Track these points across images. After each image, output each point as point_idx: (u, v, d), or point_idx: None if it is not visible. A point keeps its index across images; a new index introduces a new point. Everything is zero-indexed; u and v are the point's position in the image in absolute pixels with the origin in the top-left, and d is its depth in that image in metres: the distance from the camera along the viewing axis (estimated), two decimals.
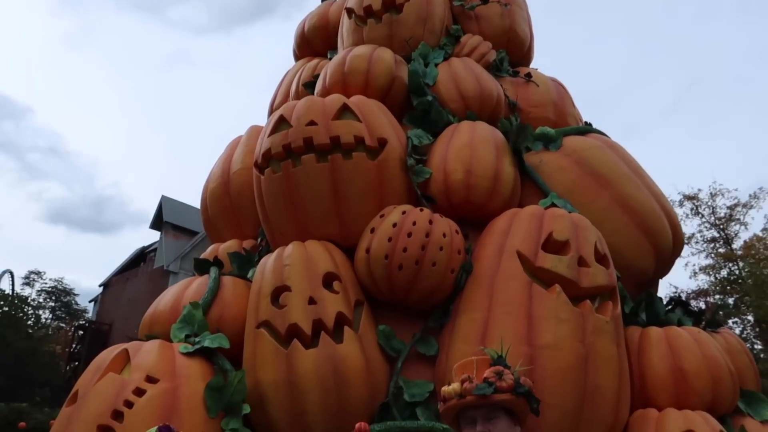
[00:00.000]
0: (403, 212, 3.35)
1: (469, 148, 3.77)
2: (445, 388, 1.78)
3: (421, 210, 3.39)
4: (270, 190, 3.65)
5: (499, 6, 5.21)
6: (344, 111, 3.70)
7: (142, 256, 32.02)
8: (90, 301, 32.80)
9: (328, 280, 3.26)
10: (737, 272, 26.26)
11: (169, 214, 29.24)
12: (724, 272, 26.54)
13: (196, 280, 3.80)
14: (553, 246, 3.26)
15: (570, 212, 3.53)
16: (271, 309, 3.17)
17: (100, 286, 31.22)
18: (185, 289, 3.69)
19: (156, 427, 1.66)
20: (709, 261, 26.52)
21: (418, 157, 3.87)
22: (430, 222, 3.29)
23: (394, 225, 3.28)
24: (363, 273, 3.34)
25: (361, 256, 3.34)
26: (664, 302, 3.95)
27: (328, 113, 3.64)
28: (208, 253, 4.40)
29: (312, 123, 3.58)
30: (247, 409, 2.94)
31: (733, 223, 26.77)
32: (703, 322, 3.90)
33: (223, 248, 4.34)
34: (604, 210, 3.80)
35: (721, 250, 26.45)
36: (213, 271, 3.79)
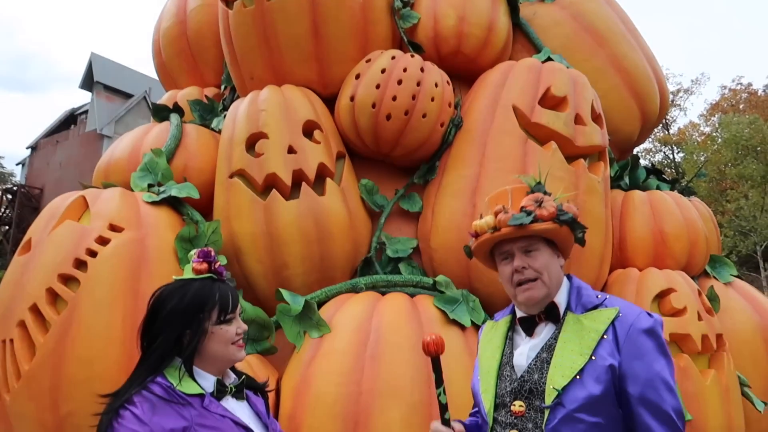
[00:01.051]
0: (393, 57, 3.03)
1: None
2: (476, 223, 1.52)
3: (412, 56, 3.08)
4: (240, 28, 3.21)
5: None
6: None
7: (72, 119, 30.04)
8: (17, 164, 31.05)
9: (309, 129, 2.99)
10: (671, 156, 27.47)
11: (101, 74, 27.09)
12: (659, 156, 27.70)
13: (155, 127, 3.43)
14: (551, 101, 3.07)
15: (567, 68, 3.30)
16: (246, 157, 2.89)
17: (27, 148, 29.41)
18: (144, 136, 3.33)
19: (195, 251, 1.47)
20: (647, 144, 27.46)
21: (405, 0, 3.48)
22: (422, 70, 3.00)
23: (383, 71, 2.97)
24: (346, 123, 3.07)
25: (345, 104, 3.05)
26: None
27: None
28: (165, 99, 3.98)
29: None
30: (223, 261, 2.75)
31: (673, 108, 27.53)
32: (676, 190, 3.92)
33: (182, 95, 3.92)
34: (598, 69, 3.60)
35: (660, 135, 27.39)
36: (174, 117, 3.43)
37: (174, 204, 2.96)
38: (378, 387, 2.25)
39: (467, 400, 2.34)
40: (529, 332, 1.49)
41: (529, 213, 1.45)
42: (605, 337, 1.36)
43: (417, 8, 3.46)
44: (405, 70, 2.95)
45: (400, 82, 2.93)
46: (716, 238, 3.82)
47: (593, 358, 1.34)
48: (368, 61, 3.09)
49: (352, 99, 3.01)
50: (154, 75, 4.59)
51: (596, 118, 3.17)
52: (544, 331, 1.47)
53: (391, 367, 2.28)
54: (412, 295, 2.69)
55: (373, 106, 2.93)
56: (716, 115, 27.11)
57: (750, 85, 27.65)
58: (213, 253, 1.48)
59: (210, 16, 3.90)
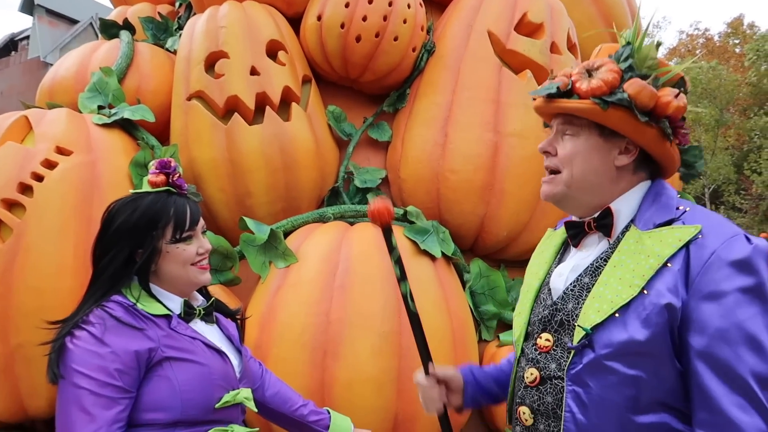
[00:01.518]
0: None
1: None
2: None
3: None
4: None
5: None
6: None
7: (12, 44, 28.09)
8: None
9: (273, 50, 2.80)
10: None
11: None
12: None
13: (103, 44, 3.16)
14: (527, 28, 2.95)
15: None
16: (205, 78, 2.70)
17: None
18: (92, 54, 3.07)
19: (154, 161, 1.33)
20: None
21: None
22: None
23: None
24: (312, 45, 2.88)
25: (311, 23, 2.85)
26: None
27: None
28: (113, 15, 3.66)
29: None
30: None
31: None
32: None
33: (132, 12, 3.61)
34: None
35: None
36: (125, 35, 3.16)
37: (127, 127, 2.77)
38: (347, 317, 2.20)
39: (442, 334, 2.34)
40: (575, 242, 1.19)
41: (567, 85, 1.09)
42: (669, 265, 1.00)
43: None
44: None
45: (370, 2, 2.74)
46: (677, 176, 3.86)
47: (645, 292, 1.00)
48: None
49: (319, 18, 2.82)
50: (102, 0, 4.23)
51: (571, 47, 3.07)
52: (597, 246, 1.15)
53: (361, 297, 2.23)
54: None
55: (342, 26, 2.76)
56: (674, 59, 27.53)
57: (707, 30, 28.03)
58: (173, 164, 1.34)
59: None
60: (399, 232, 2.53)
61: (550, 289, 1.19)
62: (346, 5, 2.76)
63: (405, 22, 2.81)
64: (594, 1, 3.55)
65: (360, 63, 2.83)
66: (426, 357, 1.35)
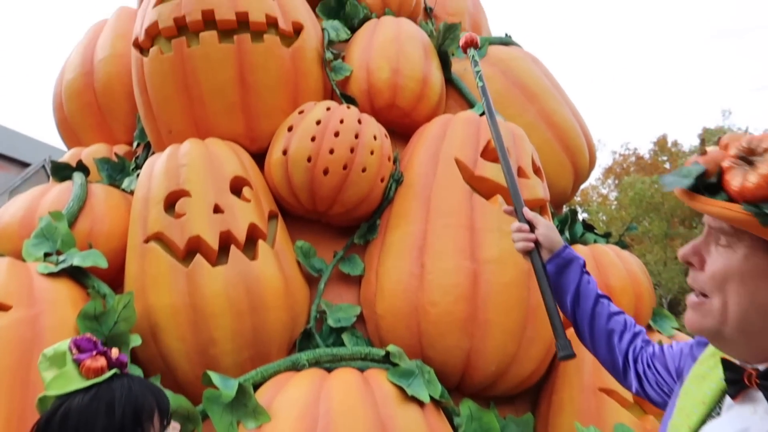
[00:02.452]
0: (328, 108, 2.83)
1: (395, 44, 3.30)
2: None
3: (348, 107, 2.89)
4: (156, 76, 2.90)
5: None
6: None
7: None
8: None
9: (237, 186, 2.69)
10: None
11: None
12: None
13: (54, 188, 3.00)
14: (492, 154, 2.96)
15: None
16: (164, 218, 2.53)
17: None
18: (41, 198, 2.89)
19: (70, 339, 1.09)
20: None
21: (336, 52, 3.33)
22: (359, 121, 2.81)
23: (318, 122, 2.75)
24: (278, 179, 2.80)
25: (277, 158, 2.79)
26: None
27: None
28: (67, 157, 3.54)
29: None
30: (137, 340, 2.33)
31: None
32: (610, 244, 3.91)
33: (87, 153, 3.51)
34: (530, 124, 3.58)
35: None
36: (78, 176, 3.02)
37: (76, 275, 2.54)
38: None
39: None
40: (733, 393, 0.88)
41: (703, 173, 0.77)
42: None
43: (349, 60, 3.32)
44: (342, 121, 2.75)
45: (337, 134, 2.71)
46: (653, 290, 3.82)
47: None
48: (301, 112, 2.87)
49: (284, 153, 2.76)
50: (55, 143, 4.14)
51: (536, 171, 3.09)
52: (760, 408, 0.83)
53: None
54: (361, 370, 2.37)
55: (309, 159, 2.69)
56: (611, 178, 29.38)
57: (636, 149, 30.35)
58: (98, 341, 1.11)
59: (121, 66, 3.57)
60: (381, 377, 2.29)
61: None
62: (312, 139, 2.72)
63: (372, 153, 2.77)
64: (549, 126, 3.66)
65: (328, 196, 2.74)
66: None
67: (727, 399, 0.91)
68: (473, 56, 2.14)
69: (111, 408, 0.99)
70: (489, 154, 2.97)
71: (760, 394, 0.85)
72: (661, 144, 29.18)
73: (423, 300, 2.57)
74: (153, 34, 2.91)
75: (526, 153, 3.06)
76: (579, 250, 3.27)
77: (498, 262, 2.63)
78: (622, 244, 3.95)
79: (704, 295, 0.87)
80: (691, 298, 0.90)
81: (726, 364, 0.90)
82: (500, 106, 3.55)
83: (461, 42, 2.15)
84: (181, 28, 2.86)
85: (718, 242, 0.85)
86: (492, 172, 2.87)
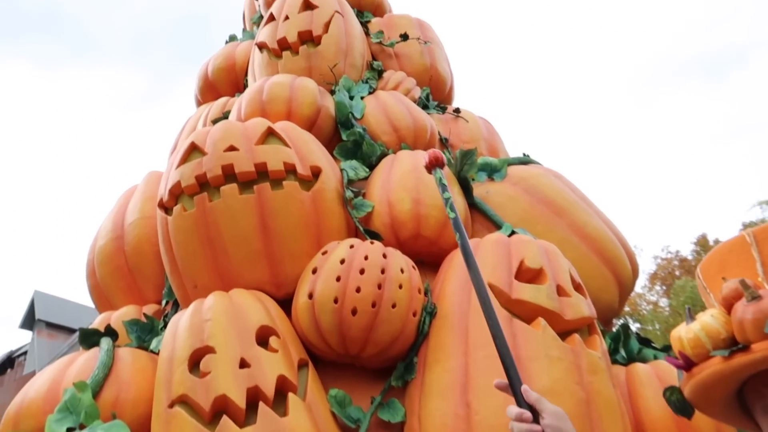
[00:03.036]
0: (351, 246, 2.78)
1: (413, 175, 3.31)
2: (685, 334, 0.76)
3: (372, 243, 2.84)
4: (180, 233, 2.94)
5: (419, 44, 4.99)
6: (270, 136, 3.14)
7: (9, 362, 28.00)
8: None
9: (263, 336, 2.57)
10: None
11: (43, 311, 26.01)
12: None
13: (80, 356, 2.92)
14: (527, 275, 2.82)
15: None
16: (189, 379, 2.40)
17: None
18: (66, 368, 2.81)
19: None
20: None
21: (356, 190, 3.35)
22: (385, 256, 2.74)
23: (342, 261, 2.69)
24: (306, 324, 2.68)
25: (303, 302, 2.69)
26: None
27: (251, 137, 3.06)
28: (97, 323, 3.51)
29: (232, 149, 2.97)
30: None
31: None
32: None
33: (116, 316, 3.48)
34: (563, 239, 3.45)
35: None
36: (105, 342, 2.95)
37: None
38: None
39: None
40: None
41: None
42: None
43: (369, 197, 3.33)
44: (366, 257, 2.68)
45: (362, 272, 2.63)
46: None
47: None
48: (324, 253, 2.82)
49: (310, 296, 2.66)
50: None
51: (577, 287, 2.91)
52: None
53: None
54: None
55: (336, 301, 2.59)
56: (657, 283, 28.37)
57: (678, 252, 29.53)
58: None
59: (149, 228, 3.65)
60: None
61: None
62: (338, 279, 2.63)
63: (401, 287, 2.66)
64: (583, 239, 3.52)
65: (359, 337, 2.60)
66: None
67: None
68: (440, 179, 1.78)
69: None
70: (524, 275, 2.82)
71: None
72: (702, 243, 28.40)
73: None
74: (176, 193, 2.99)
75: (563, 270, 2.91)
76: (641, 370, 2.97)
77: (551, 393, 2.37)
78: None
79: None
80: None
81: None
82: (528, 225, 3.47)
83: (425, 162, 1.82)
84: (202, 184, 2.93)
85: None
86: (530, 293, 2.71)
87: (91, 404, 2.51)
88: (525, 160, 4.12)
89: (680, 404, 0.83)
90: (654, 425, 2.76)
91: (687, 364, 0.79)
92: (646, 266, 32.42)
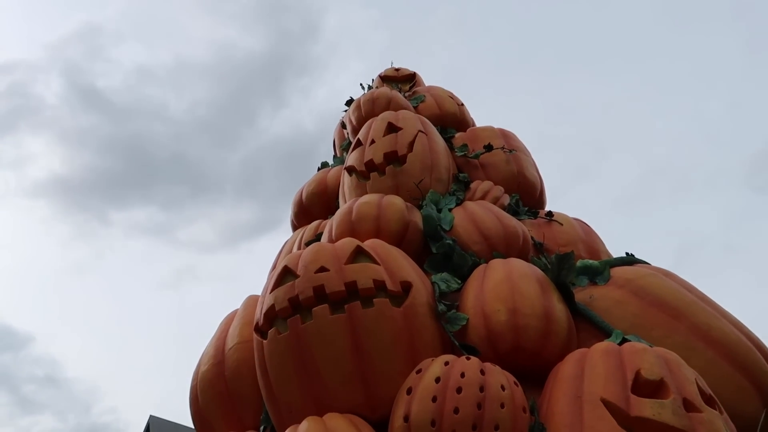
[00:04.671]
0: (446, 363, 2.64)
1: (507, 284, 3.18)
2: None
3: (468, 359, 2.68)
4: (275, 356, 2.95)
5: (504, 153, 5.02)
6: (359, 254, 3.18)
7: None
8: None
9: None
10: None
11: None
12: None
13: None
14: (646, 388, 2.52)
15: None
16: None
17: None
18: None
19: None
20: None
21: (449, 303, 3.25)
22: (483, 372, 2.57)
23: (437, 380, 2.55)
24: None
25: (399, 426, 2.54)
26: None
27: (341, 257, 3.11)
28: None
29: (323, 269, 3.02)
30: None
31: None
32: None
33: None
34: (683, 345, 3.09)
35: None
36: None
37: None
38: None
39: None
40: None
41: None
42: None
43: (463, 309, 3.21)
44: (463, 375, 2.53)
45: (459, 390, 2.47)
46: None
47: None
48: (419, 371, 2.70)
49: (406, 419, 2.52)
50: None
51: (708, 400, 2.56)
52: None
53: None
54: None
55: (432, 424, 2.43)
56: None
57: None
58: None
59: (248, 353, 3.68)
60: None
61: None
62: (434, 399, 2.49)
63: (503, 406, 2.46)
64: (709, 345, 3.13)
65: None
66: None
67: None
68: None
69: None
70: (643, 388, 2.53)
71: None
72: None
73: None
74: (271, 316, 3.04)
75: (688, 381, 2.58)
76: None
77: None
78: None
79: None
80: None
81: None
82: (641, 331, 3.16)
83: None
84: (295, 306, 2.97)
85: None
86: (653, 410, 2.40)
87: None
88: (629, 260, 3.86)
89: None
90: None
91: None
92: None
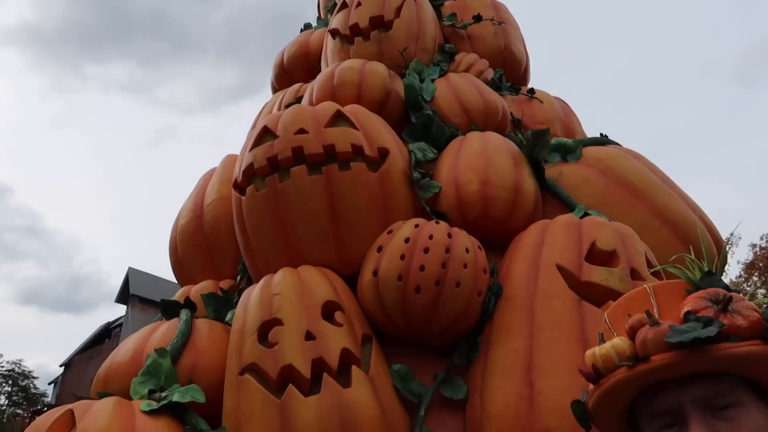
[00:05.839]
0: (416, 225, 2.79)
1: (482, 157, 3.27)
2: (594, 351, 0.89)
3: (437, 223, 2.84)
4: (253, 211, 3.06)
5: (493, 25, 4.89)
6: (338, 118, 3.20)
7: (107, 333, 30.30)
8: (50, 383, 30.70)
9: (329, 311, 2.64)
10: None
11: (137, 287, 27.94)
12: None
13: (162, 325, 3.12)
14: (599, 257, 2.72)
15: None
16: (258, 349, 2.52)
17: (60, 366, 29.31)
18: (150, 335, 3.01)
19: None
20: None
21: (424, 171, 3.35)
22: (449, 235, 2.73)
23: (407, 240, 2.71)
24: (370, 301, 2.73)
25: (368, 279, 2.74)
26: None
27: (320, 120, 3.13)
28: (177, 296, 3.73)
29: (302, 131, 3.05)
30: None
31: None
32: None
33: (195, 290, 3.68)
34: (642, 223, 3.28)
35: None
36: (184, 313, 3.13)
37: (177, 411, 2.53)
38: None
39: None
40: None
41: (708, 321, 0.81)
42: None
43: (437, 178, 3.32)
44: (431, 237, 2.69)
45: (426, 250, 2.64)
46: None
47: None
48: (390, 232, 2.85)
49: (375, 273, 2.71)
50: None
51: (655, 273, 2.78)
52: None
53: None
54: None
55: (399, 278, 2.62)
56: (755, 274, 26.57)
57: None
58: None
59: (227, 208, 3.81)
60: None
61: None
62: (402, 257, 2.66)
63: (465, 266, 2.65)
64: (664, 223, 3.34)
65: (422, 314, 2.61)
66: None
67: None
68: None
69: None
70: (596, 257, 2.73)
71: None
72: None
73: (537, 425, 2.27)
74: (249, 174, 3.10)
75: (638, 253, 2.79)
76: None
77: None
78: None
79: None
80: None
81: None
82: (604, 207, 3.33)
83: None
84: (274, 166, 3.03)
85: (725, 405, 0.82)
86: (601, 276, 2.62)
87: (171, 369, 2.68)
88: (602, 141, 3.96)
89: (581, 417, 0.90)
90: None
91: (597, 376, 0.85)
92: (743, 255, 30.28)
